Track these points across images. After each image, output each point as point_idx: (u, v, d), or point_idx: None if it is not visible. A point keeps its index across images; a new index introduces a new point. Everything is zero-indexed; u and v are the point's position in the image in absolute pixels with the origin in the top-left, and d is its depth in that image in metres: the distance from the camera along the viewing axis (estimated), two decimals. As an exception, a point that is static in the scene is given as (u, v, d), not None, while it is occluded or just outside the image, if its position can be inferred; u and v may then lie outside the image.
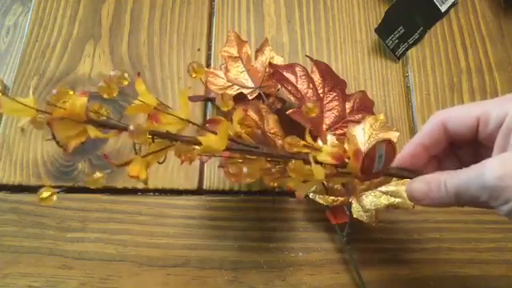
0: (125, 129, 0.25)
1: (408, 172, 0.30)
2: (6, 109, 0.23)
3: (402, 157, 0.30)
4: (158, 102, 0.25)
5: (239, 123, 0.28)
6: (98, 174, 0.26)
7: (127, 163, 0.26)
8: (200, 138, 0.26)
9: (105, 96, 0.25)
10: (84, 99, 0.24)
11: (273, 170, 0.29)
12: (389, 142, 0.27)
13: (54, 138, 0.24)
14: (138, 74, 0.26)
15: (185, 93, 0.26)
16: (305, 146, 0.27)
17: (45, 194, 0.25)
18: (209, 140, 0.26)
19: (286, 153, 0.28)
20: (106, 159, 0.28)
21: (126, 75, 0.25)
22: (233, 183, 0.31)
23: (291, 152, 0.28)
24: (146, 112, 0.25)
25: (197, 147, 0.26)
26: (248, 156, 0.28)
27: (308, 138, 0.27)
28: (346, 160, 0.28)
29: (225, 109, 0.28)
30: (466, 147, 0.30)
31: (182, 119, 0.26)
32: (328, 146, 0.28)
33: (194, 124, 0.26)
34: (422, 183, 0.28)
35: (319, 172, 0.27)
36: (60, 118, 0.24)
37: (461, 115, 0.28)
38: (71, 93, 0.24)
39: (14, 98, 0.23)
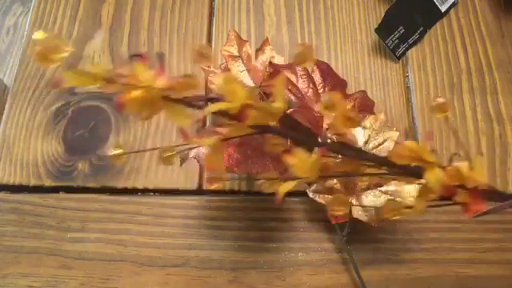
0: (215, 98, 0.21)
1: None
2: (71, 82, 0.20)
3: None
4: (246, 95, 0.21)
5: None
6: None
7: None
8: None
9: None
10: (161, 83, 0.20)
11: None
12: None
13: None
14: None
15: (282, 79, 0.22)
16: (416, 158, 0.22)
17: (116, 151, 0.23)
18: None
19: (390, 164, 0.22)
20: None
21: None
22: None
23: (398, 164, 0.22)
24: (234, 109, 0.21)
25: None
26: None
27: (425, 151, 0.22)
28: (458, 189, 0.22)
29: None
30: None
31: (277, 109, 0.22)
32: (440, 170, 0.22)
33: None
34: None
35: (420, 204, 0.22)
36: (134, 99, 0.20)
37: None
38: (146, 75, 0.20)
39: (79, 70, 0.20)
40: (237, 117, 0.22)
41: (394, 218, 0.24)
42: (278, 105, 0.22)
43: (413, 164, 0.22)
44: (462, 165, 0.22)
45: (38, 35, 0.20)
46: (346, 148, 0.23)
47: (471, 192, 0.22)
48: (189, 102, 0.21)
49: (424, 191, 0.22)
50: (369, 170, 0.23)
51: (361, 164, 0.23)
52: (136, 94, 0.20)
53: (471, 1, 0.51)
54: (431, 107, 0.23)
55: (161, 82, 0.20)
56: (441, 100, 0.23)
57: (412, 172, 0.23)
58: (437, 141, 0.44)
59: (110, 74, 0.20)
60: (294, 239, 0.40)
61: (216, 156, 0.22)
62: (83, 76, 0.20)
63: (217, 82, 0.21)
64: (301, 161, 0.21)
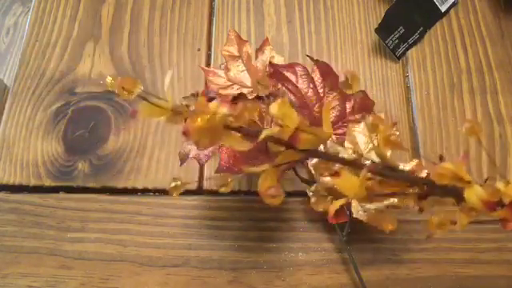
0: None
1: None
2: (145, 113, 0.23)
3: None
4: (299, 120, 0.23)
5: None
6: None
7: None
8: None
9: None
10: (223, 110, 0.22)
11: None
12: None
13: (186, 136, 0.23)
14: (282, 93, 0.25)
15: (328, 108, 0.24)
16: (457, 178, 0.23)
17: (173, 184, 0.24)
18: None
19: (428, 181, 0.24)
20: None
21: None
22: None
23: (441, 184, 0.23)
24: (287, 135, 0.23)
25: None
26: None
27: (463, 170, 0.23)
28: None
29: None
30: None
31: (326, 134, 0.24)
32: (478, 187, 0.23)
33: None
34: None
35: (463, 220, 0.24)
36: (197, 128, 0.22)
37: None
38: (211, 105, 0.23)
39: (152, 103, 0.23)
40: (288, 141, 0.23)
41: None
42: (326, 130, 0.24)
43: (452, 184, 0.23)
44: (498, 182, 0.24)
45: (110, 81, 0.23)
46: (389, 170, 0.24)
47: (509, 207, 0.24)
48: (246, 130, 0.23)
49: (465, 209, 0.24)
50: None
51: (404, 185, 0.25)
52: (201, 122, 0.22)
53: (471, 1, 0.51)
54: (464, 129, 0.24)
55: (223, 110, 0.22)
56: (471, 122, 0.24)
57: (452, 191, 0.24)
58: (436, 141, 0.44)
59: (178, 105, 0.23)
60: (293, 239, 0.40)
61: (270, 180, 0.24)
62: (155, 107, 0.23)
63: (272, 108, 0.23)
64: (348, 182, 0.23)
